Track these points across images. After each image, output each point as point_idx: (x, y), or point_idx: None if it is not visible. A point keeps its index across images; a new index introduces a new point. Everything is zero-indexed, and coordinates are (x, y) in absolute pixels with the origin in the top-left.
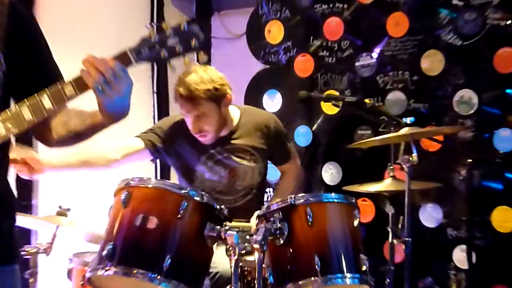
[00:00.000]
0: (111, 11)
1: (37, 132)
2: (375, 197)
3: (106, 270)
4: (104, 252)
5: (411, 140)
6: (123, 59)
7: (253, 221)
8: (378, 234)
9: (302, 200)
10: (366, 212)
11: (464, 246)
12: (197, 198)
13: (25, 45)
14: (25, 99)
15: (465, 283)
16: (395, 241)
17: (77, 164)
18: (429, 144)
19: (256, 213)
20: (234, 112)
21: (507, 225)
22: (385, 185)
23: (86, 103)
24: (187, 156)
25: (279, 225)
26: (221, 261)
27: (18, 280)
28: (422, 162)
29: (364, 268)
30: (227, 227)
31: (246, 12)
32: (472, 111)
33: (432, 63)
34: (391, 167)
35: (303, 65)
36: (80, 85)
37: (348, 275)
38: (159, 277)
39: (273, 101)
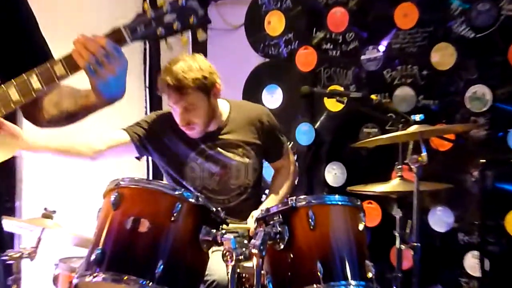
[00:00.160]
0: None
1: (26, 111)
2: (382, 200)
3: (95, 277)
4: (93, 257)
5: (420, 139)
6: (117, 37)
7: (250, 222)
8: (385, 239)
9: (303, 202)
10: (372, 215)
11: (476, 252)
12: (191, 200)
13: (11, 21)
14: (12, 79)
15: None
16: (402, 247)
17: (59, 149)
18: (440, 143)
19: (253, 213)
20: (224, 106)
21: None
22: (392, 186)
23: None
24: (175, 152)
25: (279, 228)
26: (217, 267)
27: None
28: (432, 162)
29: (369, 275)
30: (223, 231)
31: (245, 1)
32: (485, 108)
33: (443, 56)
34: (399, 168)
35: (305, 58)
36: (71, 64)
37: (353, 282)
38: (151, 284)
39: (273, 97)
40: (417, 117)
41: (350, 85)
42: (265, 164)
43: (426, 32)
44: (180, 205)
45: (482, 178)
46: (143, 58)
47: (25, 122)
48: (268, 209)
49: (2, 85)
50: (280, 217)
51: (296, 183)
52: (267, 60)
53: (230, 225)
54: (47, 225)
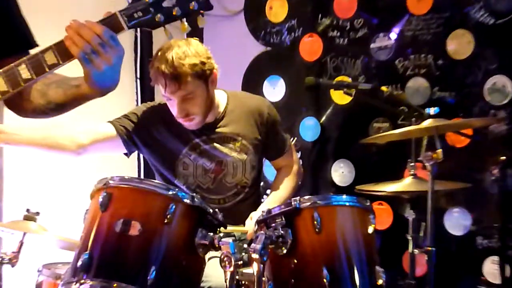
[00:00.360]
0: None
1: (9, 100)
2: (393, 200)
3: (81, 284)
4: (79, 263)
5: (435, 134)
6: (113, 24)
7: (249, 224)
8: (397, 243)
9: (308, 203)
10: (383, 217)
11: (496, 258)
12: (187, 201)
13: None
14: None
15: None
16: (416, 251)
17: (41, 142)
18: (456, 138)
19: (252, 214)
20: (221, 97)
21: None
22: (404, 186)
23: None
24: (166, 147)
25: (282, 232)
26: (214, 273)
27: None
28: (448, 160)
29: (380, 282)
30: (221, 234)
31: None
32: (506, 101)
33: (459, 45)
34: (412, 166)
35: (310, 47)
36: (63, 52)
37: None
38: None
39: (275, 89)
40: (432, 111)
41: (359, 76)
42: (267, 163)
43: (441, 18)
44: (174, 206)
45: (502, 176)
46: (133, 46)
47: (6, 112)
48: (269, 210)
49: None
50: (283, 219)
51: (300, 183)
52: (269, 49)
53: (228, 228)
54: (30, 228)
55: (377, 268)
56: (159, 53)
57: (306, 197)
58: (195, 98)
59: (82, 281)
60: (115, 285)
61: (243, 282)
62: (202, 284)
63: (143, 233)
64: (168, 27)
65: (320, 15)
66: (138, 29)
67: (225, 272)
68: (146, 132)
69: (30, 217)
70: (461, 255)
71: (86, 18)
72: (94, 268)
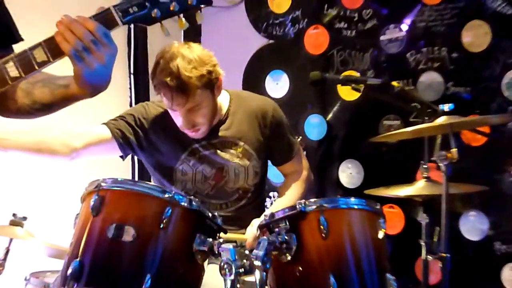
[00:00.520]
0: None
1: None
2: (405, 203)
3: None
4: (69, 271)
5: (449, 132)
6: (106, 19)
7: (250, 232)
8: (409, 249)
9: (314, 207)
10: (394, 222)
11: None
12: (184, 204)
13: None
14: None
15: None
16: (429, 258)
17: (32, 147)
18: (472, 137)
19: (254, 221)
20: (223, 98)
21: None
22: (417, 188)
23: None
24: (164, 151)
25: (286, 237)
26: (213, 282)
27: None
28: (464, 160)
29: None
30: (221, 240)
31: None
32: None
33: (476, 36)
34: (425, 167)
35: (316, 39)
36: (54, 49)
37: None
38: None
39: (278, 84)
40: (446, 107)
41: (368, 70)
42: (269, 164)
43: (456, 8)
44: (170, 210)
45: None
46: (127, 41)
47: None
48: (272, 214)
49: None
50: (287, 223)
51: (310, 190)
52: (271, 41)
53: (227, 235)
54: (16, 234)
55: (388, 275)
56: (161, 63)
57: (312, 200)
58: (202, 109)
59: None
60: None
61: None
62: None
63: (137, 239)
64: (165, 23)
65: (326, 6)
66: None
67: (225, 280)
68: (143, 135)
69: (16, 222)
70: (477, 262)
71: (78, 13)
72: (85, 277)
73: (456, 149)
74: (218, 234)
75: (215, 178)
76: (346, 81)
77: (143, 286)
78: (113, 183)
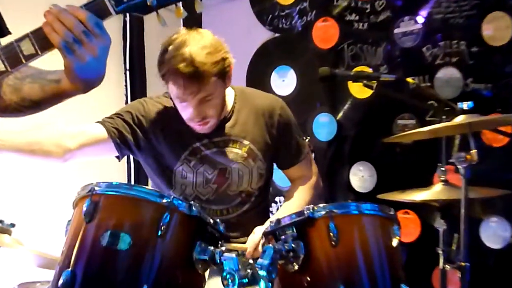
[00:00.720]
0: None
1: None
2: (421, 208)
3: None
4: (61, 281)
5: (469, 132)
6: (99, 8)
7: (251, 240)
8: (425, 258)
9: (323, 212)
10: (409, 228)
11: None
12: (183, 210)
13: None
14: None
15: None
16: (447, 267)
17: (25, 148)
18: (493, 137)
19: (256, 229)
20: (228, 93)
21: None
22: (434, 192)
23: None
24: (163, 151)
25: (293, 245)
26: None
27: None
28: (484, 162)
29: None
30: (223, 248)
31: None
32: None
33: (497, 29)
34: (442, 169)
35: (325, 33)
36: (42, 41)
37: None
38: None
39: (284, 81)
40: (465, 105)
41: (381, 65)
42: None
43: None
44: (169, 216)
45: None
46: (122, 33)
47: None
48: (278, 221)
49: None
50: (294, 230)
51: (318, 198)
52: (277, 35)
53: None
54: (3, 242)
55: (403, 286)
56: (171, 49)
57: (321, 205)
58: (213, 100)
59: None
60: None
61: None
62: None
63: (133, 247)
64: (162, 13)
65: None
66: (127, 14)
67: None
68: (142, 134)
69: (3, 229)
70: (499, 271)
71: (67, 2)
72: (78, 287)
73: (476, 150)
74: (220, 242)
75: (217, 181)
76: (358, 78)
77: None
78: (108, 187)
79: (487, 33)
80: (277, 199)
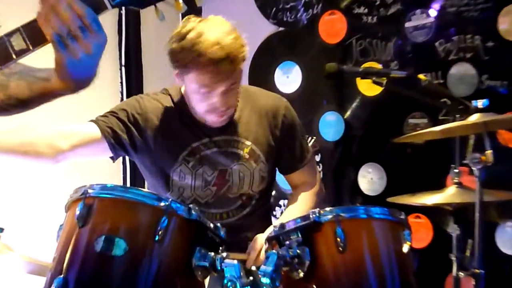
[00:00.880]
0: None
1: None
2: (433, 213)
3: None
4: None
5: (484, 132)
6: (94, 2)
7: (251, 248)
8: (438, 265)
9: (330, 216)
10: (421, 234)
11: None
12: (182, 213)
13: None
14: None
15: None
16: (461, 274)
17: (18, 149)
18: (510, 137)
19: (257, 237)
20: None
21: None
22: (447, 195)
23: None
24: (160, 151)
25: (298, 250)
26: None
27: None
28: (500, 163)
29: None
30: (224, 254)
31: None
32: None
33: None
34: (456, 171)
35: (332, 26)
36: (34, 36)
37: None
38: None
39: (288, 78)
40: (480, 103)
41: (391, 61)
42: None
43: None
44: (167, 220)
45: None
46: (117, 27)
47: None
48: (283, 225)
49: None
50: (299, 235)
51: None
52: (281, 29)
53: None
54: None
55: None
56: (192, 36)
57: (327, 208)
58: (236, 88)
59: None
60: None
61: None
62: None
63: (129, 253)
64: (160, 6)
65: None
66: (123, 7)
67: None
68: (138, 133)
69: None
70: None
71: None
72: None
73: (491, 150)
74: (220, 248)
75: (217, 183)
76: (367, 74)
77: None
78: (102, 189)
79: (503, 27)
80: (281, 202)
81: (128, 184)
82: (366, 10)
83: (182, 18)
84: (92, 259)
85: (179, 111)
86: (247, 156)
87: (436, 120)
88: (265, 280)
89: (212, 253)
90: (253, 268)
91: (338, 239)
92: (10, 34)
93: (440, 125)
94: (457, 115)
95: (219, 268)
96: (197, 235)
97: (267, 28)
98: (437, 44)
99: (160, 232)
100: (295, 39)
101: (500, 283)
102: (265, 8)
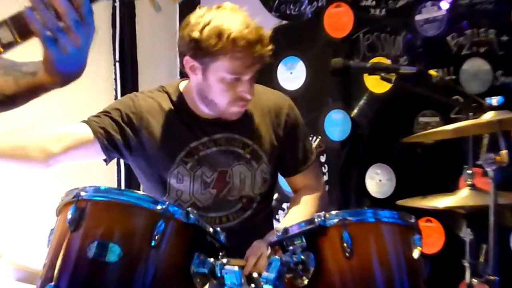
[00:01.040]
0: None
1: None
2: (445, 216)
3: None
4: None
5: (498, 131)
6: None
7: (250, 254)
8: (450, 271)
9: (336, 220)
10: (432, 238)
11: None
12: (180, 217)
13: None
14: None
15: None
16: (474, 281)
17: (8, 152)
18: None
19: (255, 243)
20: None
21: None
22: (459, 198)
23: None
24: (156, 153)
25: (302, 256)
26: None
27: None
28: None
29: None
30: (224, 260)
31: None
32: None
33: None
34: (469, 172)
35: (338, 20)
36: (22, 28)
37: None
38: None
39: (292, 74)
40: (494, 101)
41: (400, 56)
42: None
43: None
44: (164, 224)
45: None
46: (111, 21)
47: None
48: (286, 229)
49: None
50: (304, 240)
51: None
52: (284, 22)
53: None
54: None
55: None
56: (217, 22)
57: (333, 212)
58: (255, 77)
59: None
60: None
61: None
62: None
63: (123, 259)
64: None
65: None
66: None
67: None
68: (132, 133)
69: None
70: None
71: None
72: None
73: (506, 150)
74: (220, 253)
75: (217, 185)
76: (375, 70)
77: None
78: (95, 192)
79: None
80: (284, 205)
81: (123, 187)
82: (374, 3)
83: (180, 9)
84: (84, 265)
85: (177, 109)
86: (248, 156)
87: (448, 118)
88: None
89: (212, 259)
90: (255, 275)
91: (345, 244)
92: None
93: (452, 123)
94: (470, 113)
95: (219, 275)
96: (195, 240)
97: (270, 21)
98: (449, 38)
99: (156, 237)
100: (299, 33)
101: None
102: (267, 0)
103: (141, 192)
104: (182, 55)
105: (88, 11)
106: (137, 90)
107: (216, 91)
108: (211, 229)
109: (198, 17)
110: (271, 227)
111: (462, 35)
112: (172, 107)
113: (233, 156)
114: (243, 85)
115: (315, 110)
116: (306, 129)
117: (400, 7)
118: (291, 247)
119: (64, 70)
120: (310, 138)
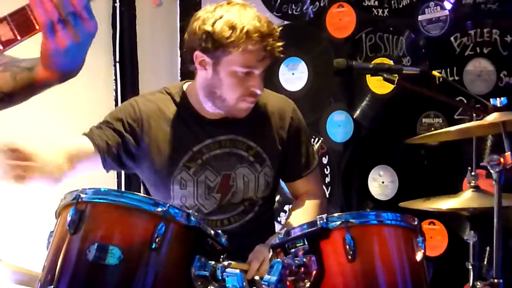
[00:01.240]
0: None
1: None
2: (449, 218)
3: None
4: None
5: (503, 132)
6: None
7: (252, 258)
8: (453, 274)
9: (338, 222)
10: (436, 241)
11: None
12: (180, 219)
13: None
14: None
15: None
16: (478, 284)
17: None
18: None
19: (258, 247)
20: None
21: None
22: (463, 200)
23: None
24: (159, 159)
25: (304, 259)
26: None
27: None
28: None
29: None
30: (225, 263)
31: None
32: None
33: None
34: (473, 174)
35: (340, 20)
36: (22, 25)
37: None
38: None
39: (294, 75)
40: (498, 102)
41: (403, 57)
42: None
43: None
44: (164, 227)
45: None
46: (111, 19)
47: None
48: (288, 232)
49: None
50: (306, 242)
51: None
52: (286, 22)
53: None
54: None
55: None
56: (230, 16)
57: (336, 214)
58: (263, 72)
59: None
60: None
61: None
62: None
63: (124, 262)
64: None
65: None
66: None
67: None
68: (135, 142)
69: None
70: None
71: None
72: None
73: (510, 152)
74: (222, 256)
75: (221, 189)
76: (377, 71)
77: None
78: (95, 194)
79: None
80: (286, 208)
81: (123, 189)
82: (376, 3)
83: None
84: (84, 268)
85: (180, 110)
86: (251, 158)
87: (451, 119)
88: None
89: (213, 262)
90: (257, 278)
91: (347, 247)
92: None
93: (456, 125)
94: (474, 115)
95: (220, 278)
96: (196, 243)
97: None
98: (452, 38)
99: (157, 240)
100: (301, 34)
101: None
102: (269, 0)
103: (141, 194)
104: (191, 51)
105: (84, 5)
106: (137, 91)
107: (226, 85)
108: (212, 232)
109: (208, 12)
110: (272, 230)
111: (466, 36)
112: (175, 109)
113: (236, 158)
114: (254, 79)
115: (317, 111)
116: (309, 133)
117: (403, 7)
118: (293, 250)
119: (61, 65)
120: (312, 140)
